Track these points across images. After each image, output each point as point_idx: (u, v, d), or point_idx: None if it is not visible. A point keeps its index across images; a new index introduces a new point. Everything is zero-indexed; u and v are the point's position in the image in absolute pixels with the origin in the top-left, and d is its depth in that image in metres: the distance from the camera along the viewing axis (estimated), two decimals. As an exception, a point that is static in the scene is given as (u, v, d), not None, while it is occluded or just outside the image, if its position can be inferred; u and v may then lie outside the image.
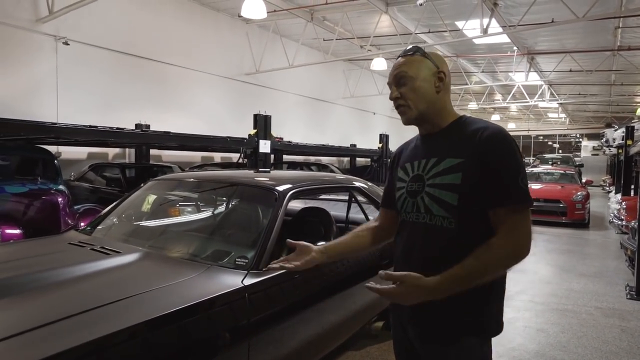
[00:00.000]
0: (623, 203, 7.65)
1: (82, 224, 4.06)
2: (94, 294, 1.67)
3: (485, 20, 8.73)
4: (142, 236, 2.58)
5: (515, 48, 12.05)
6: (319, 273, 2.25)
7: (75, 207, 4.83)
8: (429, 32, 11.02)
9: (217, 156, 11.12)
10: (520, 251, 1.18)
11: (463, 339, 1.24)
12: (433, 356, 1.30)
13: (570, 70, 13.97)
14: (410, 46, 1.39)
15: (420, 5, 7.32)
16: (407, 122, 1.36)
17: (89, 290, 1.71)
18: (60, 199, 4.20)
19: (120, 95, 8.71)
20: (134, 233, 2.63)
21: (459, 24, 10.20)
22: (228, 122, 10.71)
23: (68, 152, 8.04)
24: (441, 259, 1.24)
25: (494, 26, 9.49)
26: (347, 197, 3.33)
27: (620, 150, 9.42)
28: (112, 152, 8.99)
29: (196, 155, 10.56)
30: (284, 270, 2.01)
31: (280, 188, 2.37)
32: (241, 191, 2.64)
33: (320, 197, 4.56)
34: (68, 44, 7.73)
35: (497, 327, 1.28)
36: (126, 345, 1.42)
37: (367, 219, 3.03)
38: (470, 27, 9.81)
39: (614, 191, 13.21)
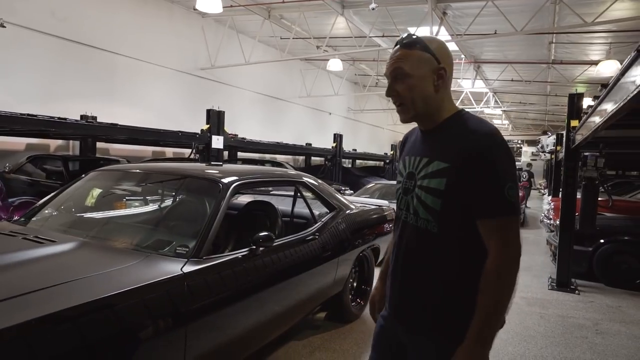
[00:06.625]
0: (552, 204, 8.27)
1: (16, 217, 3.88)
2: (17, 282, 1.61)
3: (435, 28, 9.17)
4: (81, 227, 2.53)
5: (462, 56, 12.71)
6: (261, 263, 2.33)
7: (10, 199, 4.60)
8: (383, 36, 11.38)
9: (169, 151, 10.86)
10: (514, 263, 1.16)
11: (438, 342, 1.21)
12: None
13: (512, 80, 14.92)
14: (407, 35, 1.25)
15: (373, 9, 7.56)
16: (404, 121, 1.29)
17: (11, 279, 1.66)
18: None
19: (65, 84, 8.30)
20: (72, 224, 2.58)
21: (411, 30, 10.63)
22: (182, 117, 10.49)
23: (3, 142, 7.55)
24: (421, 263, 1.24)
25: (443, 34, 9.99)
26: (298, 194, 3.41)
27: (552, 156, 10.13)
28: (54, 144, 8.54)
29: (146, 150, 10.26)
30: (225, 259, 2.14)
31: (225, 180, 2.43)
32: (186, 183, 2.67)
33: (272, 193, 4.63)
34: (4, 27, 7.25)
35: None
36: (52, 332, 1.39)
37: (312, 214, 3.14)
38: (421, 34, 10.24)
39: (547, 193, 14.28)
